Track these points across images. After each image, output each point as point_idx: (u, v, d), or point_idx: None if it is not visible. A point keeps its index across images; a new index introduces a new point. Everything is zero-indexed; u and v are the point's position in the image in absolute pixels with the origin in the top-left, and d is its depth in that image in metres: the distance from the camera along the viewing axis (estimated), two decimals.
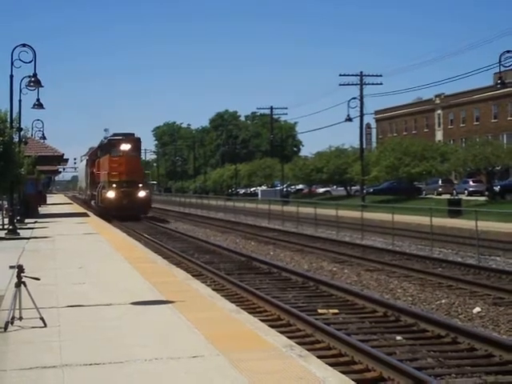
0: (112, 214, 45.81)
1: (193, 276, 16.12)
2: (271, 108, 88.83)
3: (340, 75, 63.90)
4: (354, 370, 9.51)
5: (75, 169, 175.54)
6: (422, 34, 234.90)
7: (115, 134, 51.16)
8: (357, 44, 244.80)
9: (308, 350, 8.87)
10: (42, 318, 9.39)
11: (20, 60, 27.72)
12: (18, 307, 9.43)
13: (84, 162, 79.22)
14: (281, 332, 10.02)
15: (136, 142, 50.50)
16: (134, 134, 51.02)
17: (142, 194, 48.00)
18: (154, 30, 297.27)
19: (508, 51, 39.92)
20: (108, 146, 50.28)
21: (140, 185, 48.46)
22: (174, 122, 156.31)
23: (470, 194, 59.19)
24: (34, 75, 28.18)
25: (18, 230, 27.68)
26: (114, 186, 47.27)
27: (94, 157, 60.77)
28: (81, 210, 56.82)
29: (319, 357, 8.51)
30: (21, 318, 9.45)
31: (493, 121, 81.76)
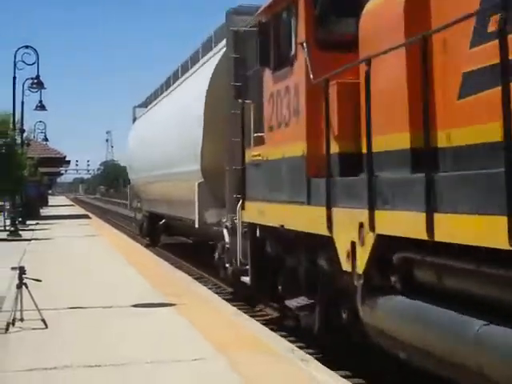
0: None
1: (195, 279, 16.10)
2: None
3: None
4: (356, 375, 9.44)
5: (77, 171, 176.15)
6: None
7: None
8: None
9: (310, 354, 8.84)
10: (43, 320, 9.37)
11: (23, 62, 27.82)
12: (19, 308, 9.41)
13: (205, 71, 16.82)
14: (282, 336, 10.00)
15: None
16: None
17: None
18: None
19: None
20: None
21: None
22: None
23: None
24: (37, 77, 28.21)
25: (20, 232, 27.67)
26: None
27: None
28: (82, 211, 56.40)
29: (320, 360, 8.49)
30: (22, 320, 9.44)
31: None
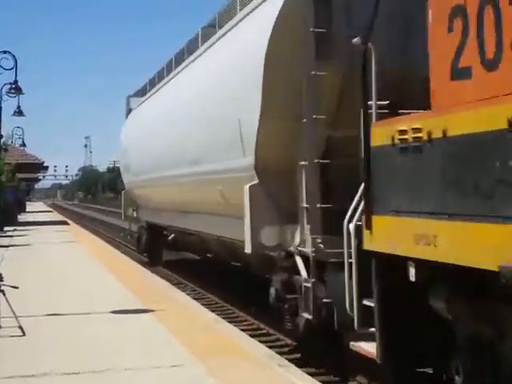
0: None
1: (173, 285, 16.09)
2: None
3: None
4: (334, 380, 9.49)
5: (55, 176, 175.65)
6: None
7: None
8: None
9: (288, 359, 8.86)
10: (20, 327, 9.32)
11: (1, 67, 27.66)
12: None
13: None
14: (261, 341, 10.02)
15: None
16: None
17: None
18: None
19: None
20: None
21: None
22: None
23: None
24: (15, 82, 28.09)
25: None
26: None
27: None
28: (60, 217, 56.14)
29: (299, 367, 8.52)
30: None
31: None
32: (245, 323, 13.22)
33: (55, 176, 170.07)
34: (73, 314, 11.05)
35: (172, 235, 20.45)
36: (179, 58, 18.28)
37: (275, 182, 9.87)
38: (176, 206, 16.97)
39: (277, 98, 9.56)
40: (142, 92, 24.23)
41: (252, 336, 10.34)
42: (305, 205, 9.10)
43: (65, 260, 19.91)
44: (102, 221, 58.85)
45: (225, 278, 19.23)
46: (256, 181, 10.11)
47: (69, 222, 47.28)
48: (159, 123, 18.03)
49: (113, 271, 16.76)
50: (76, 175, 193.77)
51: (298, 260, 9.26)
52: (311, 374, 8.23)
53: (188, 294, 14.97)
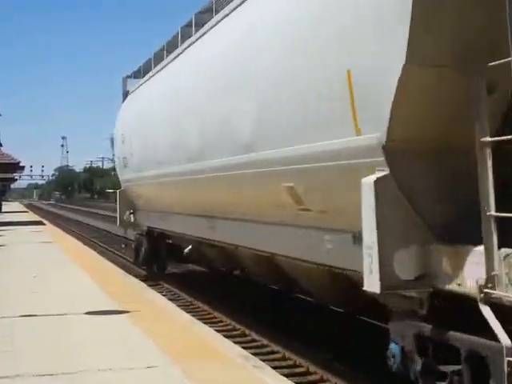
0: None
1: (149, 286, 16.05)
2: None
3: None
4: (309, 381, 9.54)
5: (31, 176, 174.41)
6: None
7: None
8: None
9: (263, 360, 8.90)
10: None
11: None
12: None
13: None
14: (236, 342, 10.05)
15: None
16: None
17: None
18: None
19: None
20: None
21: None
22: None
23: None
24: None
25: None
26: None
27: None
28: (36, 217, 55.81)
29: (274, 367, 8.56)
30: None
31: None
32: (220, 324, 13.25)
33: (31, 176, 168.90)
34: (48, 315, 11.00)
35: (189, 247, 16.20)
36: (200, 20, 13.58)
37: (419, 174, 6.02)
38: (198, 210, 12.97)
39: (434, 23, 5.45)
40: (144, 70, 19.52)
41: (227, 337, 10.37)
42: (494, 213, 5.24)
43: (41, 261, 19.77)
44: (77, 220, 58.81)
45: (202, 279, 19.23)
46: (386, 171, 6.02)
47: (45, 222, 47.02)
48: (176, 100, 13.44)
49: (88, 272, 16.69)
50: (52, 175, 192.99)
51: (486, 311, 5.22)
52: (286, 375, 8.28)
53: (164, 295, 14.97)
